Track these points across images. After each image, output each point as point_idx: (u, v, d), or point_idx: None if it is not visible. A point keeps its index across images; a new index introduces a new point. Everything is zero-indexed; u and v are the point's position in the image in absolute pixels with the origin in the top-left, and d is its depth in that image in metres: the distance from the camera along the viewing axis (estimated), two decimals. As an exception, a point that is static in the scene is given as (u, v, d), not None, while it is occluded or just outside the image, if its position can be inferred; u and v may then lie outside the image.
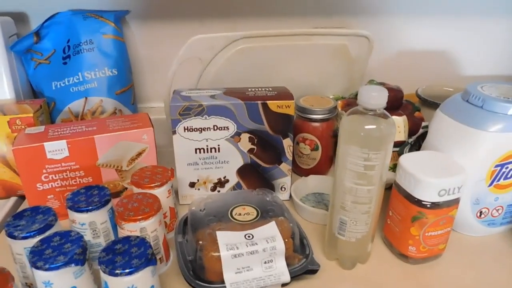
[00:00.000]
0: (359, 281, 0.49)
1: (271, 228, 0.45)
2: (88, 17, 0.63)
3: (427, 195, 0.46)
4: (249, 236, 0.45)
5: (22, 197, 0.63)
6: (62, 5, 0.65)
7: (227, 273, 0.43)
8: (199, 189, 0.61)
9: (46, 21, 0.63)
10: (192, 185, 0.60)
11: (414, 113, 0.64)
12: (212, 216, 0.48)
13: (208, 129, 0.56)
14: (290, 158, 0.60)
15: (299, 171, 0.69)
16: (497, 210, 0.54)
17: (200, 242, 0.45)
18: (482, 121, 0.49)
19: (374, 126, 0.43)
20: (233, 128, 0.57)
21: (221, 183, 0.61)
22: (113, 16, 0.64)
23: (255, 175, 0.61)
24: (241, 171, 0.60)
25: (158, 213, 0.47)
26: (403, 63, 0.76)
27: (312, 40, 0.66)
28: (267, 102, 0.56)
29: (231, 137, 0.57)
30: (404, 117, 0.62)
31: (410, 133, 0.64)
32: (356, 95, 0.66)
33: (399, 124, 0.61)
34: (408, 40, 0.77)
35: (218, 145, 0.58)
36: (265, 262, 0.44)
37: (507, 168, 0.51)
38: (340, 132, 0.45)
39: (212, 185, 0.61)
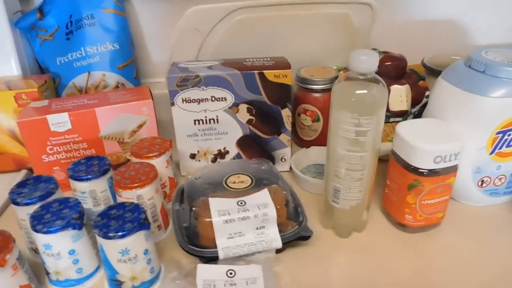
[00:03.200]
0: (354, 249, 0.49)
1: (263, 195, 0.46)
2: (88, -8, 0.64)
3: (423, 162, 0.46)
4: (241, 203, 0.45)
5: (31, 170, 0.65)
6: (64, -19, 0.65)
7: (219, 238, 0.44)
8: (199, 161, 0.62)
9: (48, -3, 0.64)
10: (192, 156, 0.61)
11: (418, 82, 0.63)
12: (207, 184, 0.49)
13: (206, 100, 0.57)
14: (290, 128, 0.60)
15: (301, 142, 0.69)
16: (500, 179, 0.53)
17: (194, 209, 0.46)
18: (484, 86, 0.48)
19: (365, 91, 0.42)
20: (230, 98, 0.57)
21: (221, 154, 0.62)
22: (113, -11, 0.64)
23: (255, 146, 0.61)
24: (240, 142, 0.61)
25: (154, 181, 0.48)
26: (409, 32, 0.73)
27: (313, 9, 0.64)
28: (264, 71, 0.55)
29: (229, 108, 0.58)
30: (407, 86, 0.60)
31: (414, 103, 0.62)
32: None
33: (401, 94, 0.60)
34: (414, 8, 0.74)
35: (217, 116, 0.58)
36: (257, 228, 0.45)
37: (509, 135, 0.49)
38: (332, 99, 0.44)
39: (213, 156, 0.62)
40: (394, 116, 0.61)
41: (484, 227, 0.52)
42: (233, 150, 0.61)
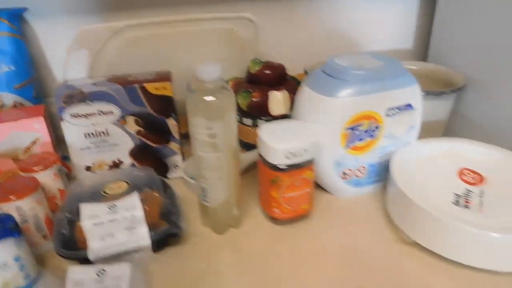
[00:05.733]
0: (229, 243, 0.53)
1: (132, 199, 0.50)
2: (-20, 16, 0.67)
3: (277, 159, 0.51)
4: (112, 207, 0.49)
5: None
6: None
7: (91, 241, 0.47)
8: (96, 173, 0.65)
9: None
10: (88, 169, 0.64)
11: (297, 88, 0.68)
12: (87, 192, 0.52)
13: (94, 114, 0.60)
14: (177, 137, 0.64)
15: (198, 150, 0.73)
16: (360, 171, 0.59)
17: (68, 216, 0.49)
18: (331, 88, 0.54)
19: (212, 98, 0.47)
20: (117, 112, 0.61)
21: (116, 165, 0.65)
22: (6, 14, 0.67)
23: (148, 155, 0.65)
24: (133, 152, 0.64)
25: (34, 193, 0.51)
26: (293, 43, 0.80)
27: (199, 25, 0.70)
28: (144, 84, 0.60)
29: (117, 120, 0.61)
30: (284, 91, 0.66)
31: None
32: (245, 76, 0.70)
33: (279, 99, 0.66)
34: (300, 22, 0.81)
35: (106, 129, 0.62)
36: (127, 229, 0.48)
37: (358, 130, 0.55)
38: (187, 107, 0.49)
39: (108, 167, 0.65)
40: (275, 120, 0.66)
41: (350, 216, 0.58)
42: (127, 160, 0.65)
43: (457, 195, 0.52)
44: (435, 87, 0.69)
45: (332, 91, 0.53)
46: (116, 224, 0.48)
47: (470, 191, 0.52)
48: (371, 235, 0.54)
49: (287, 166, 0.51)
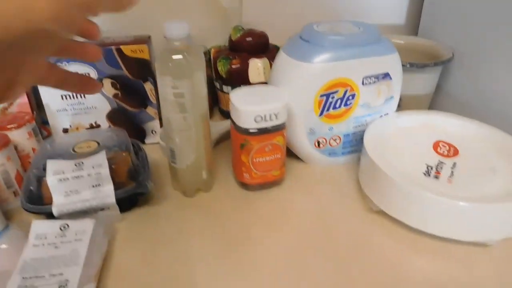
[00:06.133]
0: (199, 207, 0.53)
1: (100, 157, 0.50)
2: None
3: (246, 122, 0.50)
4: (79, 164, 0.49)
5: None
6: None
7: (56, 196, 0.48)
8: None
9: None
10: (65, 131, 0.64)
11: (279, 56, 0.67)
12: (57, 150, 0.52)
13: (70, 75, 0.60)
14: (154, 101, 0.64)
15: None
16: (335, 140, 0.58)
17: (34, 171, 0.49)
18: (307, 53, 0.53)
19: (179, 56, 0.46)
20: (94, 73, 0.60)
21: (93, 128, 0.65)
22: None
23: (125, 120, 0.65)
24: (110, 116, 0.64)
25: (3, 149, 0.51)
26: (280, 11, 0.79)
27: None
28: (121, 46, 0.59)
29: (94, 83, 0.61)
30: (265, 59, 0.65)
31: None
32: (228, 43, 0.69)
33: (259, 67, 0.65)
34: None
35: (83, 91, 0.61)
36: (93, 186, 0.48)
37: (333, 97, 0.54)
38: (156, 67, 0.48)
39: (86, 131, 0.65)
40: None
41: (320, 185, 0.57)
42: (105, 123, 0.65)
43: (429, 166, 0.51)
44: (421, 61, 0.67)
45: (307, 57, 0.52)
46: (82, 180, 0.48)
47: (443, 163, 0.52)
48: (339, 204, 0.53)
49: (257, 129, 0.51)
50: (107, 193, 0.49)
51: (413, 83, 0.65)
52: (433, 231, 0.46)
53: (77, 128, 0.65)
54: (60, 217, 0.48)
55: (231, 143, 0.56)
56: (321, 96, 0.54)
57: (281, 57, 0.56)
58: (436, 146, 0.55)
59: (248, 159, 0.53)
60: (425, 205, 0.45)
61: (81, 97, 0.62)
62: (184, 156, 0.51)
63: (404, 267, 0.44)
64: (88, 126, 0.65)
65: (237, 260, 0.45)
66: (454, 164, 0.51)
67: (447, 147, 0.55)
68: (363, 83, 0.55)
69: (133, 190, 0.50)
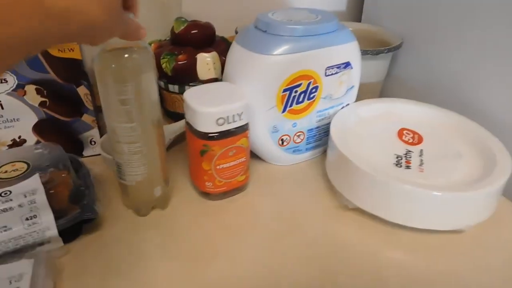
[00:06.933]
0: (155, 224, 0.47)
1: (33, 181, 0.41)
2: None
3: (206, 126, 0.45)
4: (5, 193, 0.40)
5: None
6: None
7: (-22, 237, 0.38)
8: (-9, 154, 0.54)
9: None
10: (-19, 150, 0.53)
11: (228, 49, 0.62)
12: (-27, 178, 0.43)
13: (-19, 83, 0.49)
14: (91, 107, 0.55)
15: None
16: (298, 136, 0.55)
17: None
18: (266, 45, 0.48)
19: (124, 55, 0.39)
20: (12, 80, 0.50)
21: (17, 144, 0.55)
22: None
23: (56, 131, 0.55)
24: (37, 128, 0.54)
25: None
26: (223, 3, 0.73)
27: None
28: (44, 46, 0.50)
29: (13, 90, 0.51)
30: (214, 53, 0.59)
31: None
32: (170, 36, 0.62)
33: (208, 61, 0.59)
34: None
35: (0, 101, 0.51)
36: (27, 219, 0.40)
37: (296, 92, 0.51)
38: (95, 71, 0.40)
39: (7, 147, 0.54)
40: (204, 85, 0.60)
41: (287, 184, 0.53)
42: (31, 138, 0.55)
43: (398, 156, 0.49)
44: (371, 48, 0.66)
45: (267, 48, 0.48)
46: (11, 214, 0.39)
47: (410, 151, 0.50)
48: (309, 204, 0.50)
49: (218, 133, 0.45)
50: (46, 225, 0.40)
51: (366, 70, 0.64)
52: (413, 224, 0.45)
53: (-4, 146, 0.54)
54: (-12, 261, 0.39)
55: (187, 148, 0.49)
56: (284, 90, 0.50)
57: (236, 49, 0.51)
58: (400, 134, 0.53)
59: (211, 166, 0.47)
60: (405, 198, 0.43)
61: (-2, 108, 0.51)
62: (134, 171, 0.44)
63: (384, 262, 0.42)
64: (10, 142, 0.54)
65: (208, 278, 0.40)
66: (421, 152, 0.50)
67: (411, 135, 0.53)
68: (325, 74, 0.51)
69: (79, 217, 0.42)
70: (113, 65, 0.39)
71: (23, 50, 0.23)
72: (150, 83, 0.41)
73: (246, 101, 0.45)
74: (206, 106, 0.44)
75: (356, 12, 0.87)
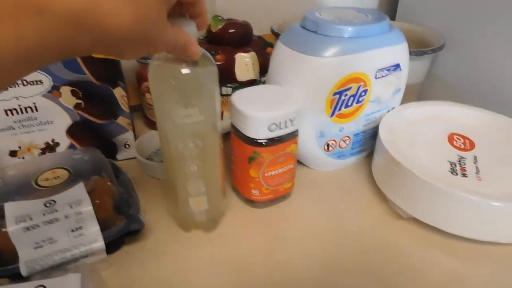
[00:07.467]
0: (203, 236, 0.44)
1: (78, 190, 0.39)
2: None
3: (258, 132, 0.42)
4: (49, 203, 0.37)
5: None
6: None
7: (22, 250, 0.36)
8: (24, 158, 0.52)
9: None
10: (13, 154, 0.51)
11: (265, 49, 0.59)
12: (12, 185, 0.40)
13: (16, 84, 0.47)
14: (127, 110, 0.53)
15: (151, 124, 0.62)
16: (344, 141, 0.52)
17: (-12, 219, 0.37)
18: (315, 46, 0.46)
19: (187, 70, 0.34)
20: (48, 81, 0.48)
21: (50, 147, 0.52)
22: None
23: (90, 134, 0.53)
24: (71, 131, 0.52)
25: None
26: (257, 1, 0.70)
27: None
28: (82, 45, 0.47)
29: (48, 92, 0.48)
30: (252, 53, 0.57)
31: (263, 71, 0.59)
32: (205, 36, 0.60)
33: (247, 62, 0.56)
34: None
35: (34, 103, 0.49)
36: (72, 231, 0.37)
37: (345, 95, 0.48)
38: (150, 83, 0.37)
39: (40, 151, 0.52)
40: (242, 86, 0.57)
41: (333, 191, 0.51)
42: (65, 141, 0.52)
43: (452, 163, 0.47)
44: (410, 47, 0.63)
45: (318, 49, 0.45)
46: (57, 225, 0.37)
47: (464, 158, 0.48)
48: (359, 211, 0.48)
49: (268, 139, 0.43)
50: (93, 237, 0.38)
51: (410, 71, 0.61)
52: (475, 236, 0.42)
53: (28, 149, 0.52)
54: (31, 276, 0.36)
55: (232, 153, 0.47)
56: (334, 94, 0.47)
57: (282, 50, 0.48)
58: (451, 139, 0.51)
59: (259, 174, 0.45)
60: (467, 208, 0.41)
61: (32, 110, 0.49)
62: (196, 186, 0.41)
63: (445, 274, 0.40)
64: (43, 145, 0.52)
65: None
66: (475, 158, 0.48)
67: (462, 140, 0.51)
68: (376, 77, 0.49)
69: (125, 228, 0.40)
70: (174, 82, 0.34)
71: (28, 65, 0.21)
72: (216, 97, 0.37)
73: (299, 105, 0.43)
74: (257, 111, 0.42)
75: (389, 10, 0.84)
